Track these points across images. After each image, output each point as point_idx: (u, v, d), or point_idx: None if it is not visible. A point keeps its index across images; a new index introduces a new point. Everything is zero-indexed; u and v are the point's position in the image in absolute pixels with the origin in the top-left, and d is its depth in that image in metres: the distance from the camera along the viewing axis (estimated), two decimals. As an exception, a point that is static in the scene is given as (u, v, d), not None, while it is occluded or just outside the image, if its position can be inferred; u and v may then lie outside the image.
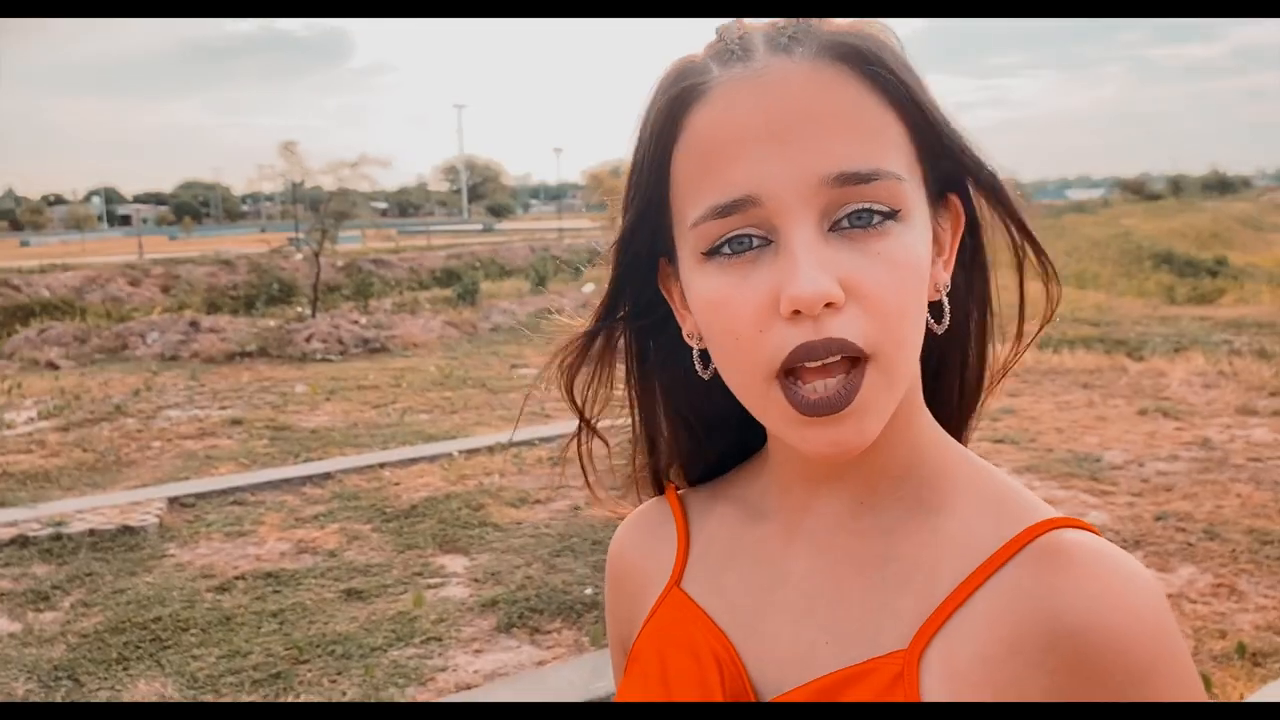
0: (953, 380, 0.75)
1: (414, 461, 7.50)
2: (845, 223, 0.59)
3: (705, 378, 0.69)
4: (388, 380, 11.30)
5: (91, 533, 5.90)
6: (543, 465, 7.40)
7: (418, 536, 5.90)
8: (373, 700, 3.99)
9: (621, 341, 0.76)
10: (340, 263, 24.54)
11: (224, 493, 6.77)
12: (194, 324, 13.77)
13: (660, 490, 0.84)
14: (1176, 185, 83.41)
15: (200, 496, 6.68)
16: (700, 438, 0.80)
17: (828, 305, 0.57)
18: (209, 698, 4.06)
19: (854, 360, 0.59)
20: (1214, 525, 5.73)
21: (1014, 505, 0.66)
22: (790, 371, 0.59)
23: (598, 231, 35.53)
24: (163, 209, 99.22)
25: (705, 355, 0.68)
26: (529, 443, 7.99)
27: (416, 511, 6.34)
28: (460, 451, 7.70)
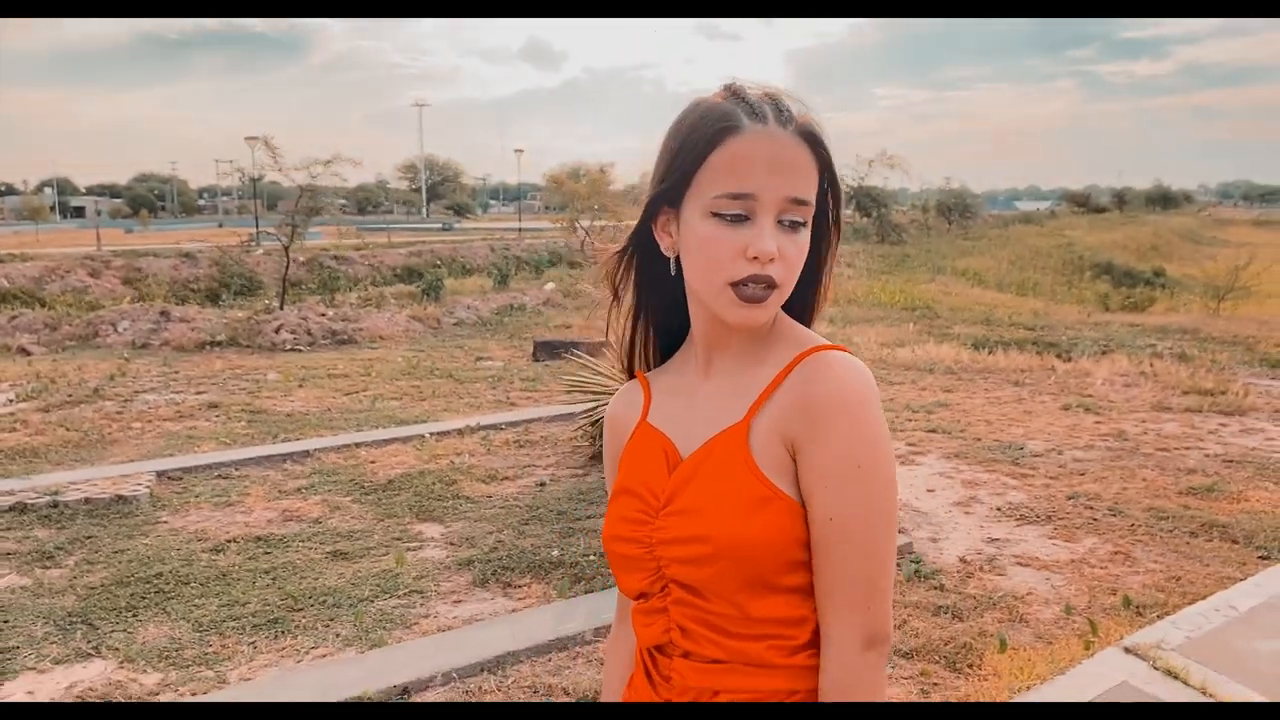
0: (808, 293, 1.32)
1: (388, 442, 7.96)
2: (785, 222, 1.16)
3: (673, 274, 1.26)
4: (357, 370, 11.72)
5: (87, 501, 6.31)
6: (509, 447, 7.89)
7: (395, 507, 6.38)
8: (364, 641, 4.47)
9: (630, 274, 1.34)
10: (302, 258, 24.76)
11: (209, 467, 7.20)
12: (164, 313, 14.05)
13: (632, 376, 1.43)
14: (1121, 199, 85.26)
15: (186, 470, 7.10)
16: (658, 335, 1.40)
17: (770, 260, 1.14)
18: (215, 639, 4.51)
19: (771, 284, 1.15)
20: (1118, 504, 6.37)
21: (804, 341, 1.23)
22: (736, 282, 1.15)
23: (558, 232, 35.97)
24: (116, 202, 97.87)
25: (677, 260, 1.24)
26: (496, 427, 8.49)
27: (393, 485, 6.81)
28: (431, 434, 8.17)
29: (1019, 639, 4.44)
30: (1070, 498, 6.52)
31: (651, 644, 1.28)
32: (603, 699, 1.54)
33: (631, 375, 1.43)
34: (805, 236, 1.18)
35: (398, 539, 5.83)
